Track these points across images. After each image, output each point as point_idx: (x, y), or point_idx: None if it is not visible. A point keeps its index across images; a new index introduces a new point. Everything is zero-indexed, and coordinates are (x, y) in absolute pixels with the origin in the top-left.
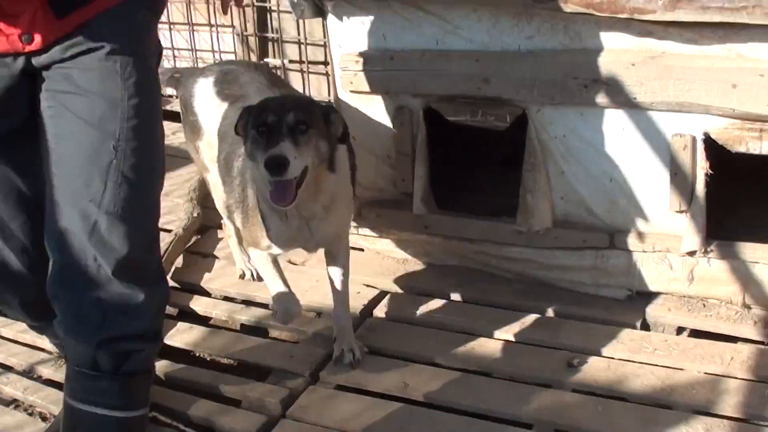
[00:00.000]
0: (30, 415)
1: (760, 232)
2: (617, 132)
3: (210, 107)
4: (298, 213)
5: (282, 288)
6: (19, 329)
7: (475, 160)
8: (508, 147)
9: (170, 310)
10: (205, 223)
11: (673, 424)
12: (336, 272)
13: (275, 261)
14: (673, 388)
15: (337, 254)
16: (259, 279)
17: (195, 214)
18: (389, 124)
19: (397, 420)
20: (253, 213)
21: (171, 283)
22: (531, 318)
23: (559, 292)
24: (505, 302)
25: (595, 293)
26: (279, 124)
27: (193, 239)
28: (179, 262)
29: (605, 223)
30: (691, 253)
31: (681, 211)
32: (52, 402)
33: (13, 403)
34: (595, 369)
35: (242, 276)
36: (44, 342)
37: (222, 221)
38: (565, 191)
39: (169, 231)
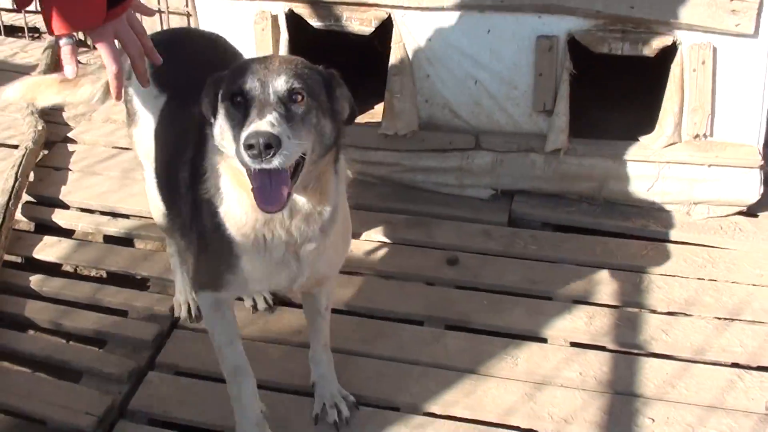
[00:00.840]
0: None
1: (612, 131)
2: (483, 35)
3: (145, 93)
4: (286, 234)
5: (247, 399)
6: None
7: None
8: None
9: (29, 224)
10: (51, 138)
11: (557, 314)
12: (318, 306)
13: (230, 313)
14: (552, 280)
15: (323, 292)
16: (197, 317)
17: (40, 128)
18: (249, 28)
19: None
20: (216, 236)
21: (27, 197)
22: (401, 219)
23: (426, 194)
24: (375, 205)
25: (459, 194)
26: (264, 92)
27: (41, 154)
28: (32, 176)
29: (470, 124)
30: (555, 152)
31: (545, 111)
32: None
33: None
34: (473, 265)
35: (177, 316)
36: None
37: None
38: (431, 94)
39: (15, 146)
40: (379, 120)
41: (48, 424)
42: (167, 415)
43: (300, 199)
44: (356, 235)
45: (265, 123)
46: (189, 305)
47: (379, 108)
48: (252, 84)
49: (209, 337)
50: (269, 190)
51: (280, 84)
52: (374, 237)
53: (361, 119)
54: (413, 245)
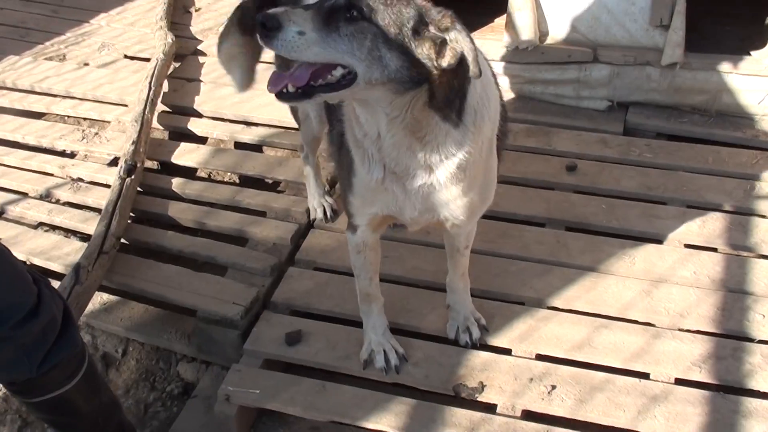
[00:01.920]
0: (64, 236)
1: (726, 45)
2: None
3: None
4: (378, 155)
5: (375, 317)
6: (22, 156)
7: None
8: None
9: (164, 133)
10: (181, 51)
11: (672, 217)
12: (457, 245)
13: (372, 254)
14: (666, 186)
15: (461, 233)
16: (332, 217)
17: (169, 40)
18: None
19: None
20: (343, 151)
21: (162, 107)
22: (522, 128)
23: (544, 105)
24: None
25: (577, 105)
26: None
27: (172, 66)
28: (166, 86)
29: (588, 38)
30: (671, 65)
31: (661, 26)
32: (80, 221)
33: (41, 226)
34: (591, 171)
35: (313, 219)
36: (52, 167)
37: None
38: (551, 9)
39: (147, 59)
40: (498, 34)
41: (198, 313)
42: (308, 306)
43: (386, 125)
44: None
45: (280, 9)
46: (324, 207)
47: (499, 21)
48: None
49: (351, 265)
50: (275, 76)
51: None
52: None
53: (482, 32)
54: (534, 152)
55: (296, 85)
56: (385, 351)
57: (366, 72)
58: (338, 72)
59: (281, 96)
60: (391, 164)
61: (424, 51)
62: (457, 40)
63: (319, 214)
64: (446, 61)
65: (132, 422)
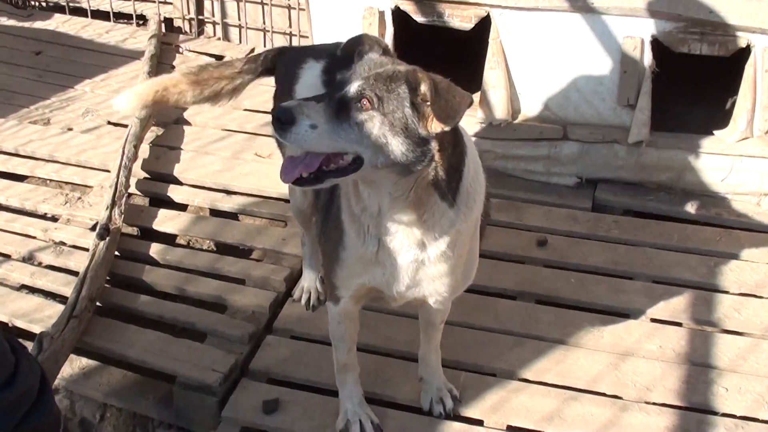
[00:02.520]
0: (46, 298)
1: (690, 125)
2: (573, 34)
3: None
4: (375, 229)
5: (351, 386)
6: (5, 218)
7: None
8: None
9: (144, 199)
10: (164, 120)
11: (639, 292)
12: (432, 320)
13: (353, 326)
14: (633, 261)
15: (439, 311)
16: (314, 307)
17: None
18: (357, 22)
19: None
20: (333, 224)
21: (144, 174)
22: (494, 202)
23: (515, 180)
24: None
25: (547, 181)
26: (338, 87)
27: (154, 134)
28: (147, 153)
29: (559, 116)
30: (637, 143)
31: (629, 105)
32: (62, 284)
33: (23, 288)
34: (561, 246)
35: (296, 298)
36: (35, 230)
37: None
38: (523, 87)
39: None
40: (471, 110)
41: (178, 378)
42: (285, 374)
43: (389, 203)
44: None
45: (294, 102)
46: (310, 295)
47: (474, 98)
48: (340, 77)
49: (329, 335)
50: (288, 164)
51: (353, 87)
52: None
53: None
54: (505, 227)
55: (308, 172)
56: (360, 421)
57: (372, 158)
58: (349, 157)
59: (295, 181)
60: (386, 239)
61: (422, 125)
62: (432, 91)
63: (304, 300)
64: (431, 125)
65: None
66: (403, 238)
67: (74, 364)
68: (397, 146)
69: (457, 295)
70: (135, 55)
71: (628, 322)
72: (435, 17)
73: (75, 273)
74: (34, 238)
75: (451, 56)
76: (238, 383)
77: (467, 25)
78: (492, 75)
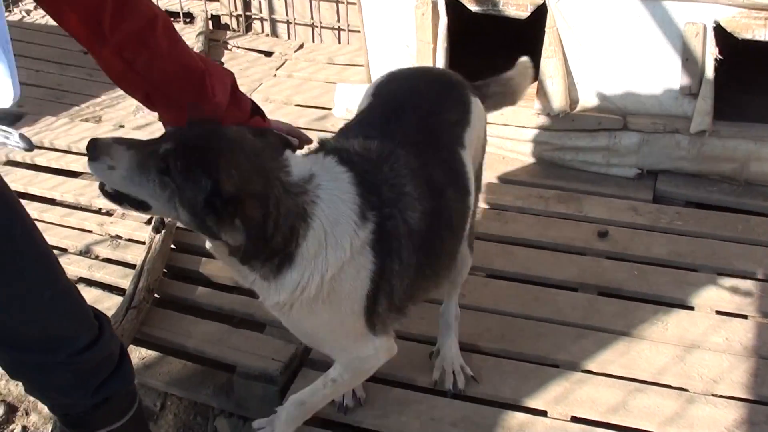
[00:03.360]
0: (104, 291)
1: (754, 114)
2: (633, 20)
3: None
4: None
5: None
6: (61, 213)
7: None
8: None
9: None
10: None
11: (702, 284)
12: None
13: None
14: (696, 253)
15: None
16: None
17: None
18: (410, 13)
19: None
20: None
21: None
22: (553, 194)
23: (573, 172)
24: (527, 181)
25: (606, 172)
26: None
27: None
28: None
29: (618, 106)
30: (700, 133)
31: (691, 94)
32: (120, 277)
33: (82, 281)
34: (622, 238)
35: None
36: (91, 224)
37: None
38: (582, 77)
39: None
40: (528, 101)
41: (238, 368)
42: None
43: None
44: (512, 207)
45: (111, 139)
46: None
47: (528, 90)
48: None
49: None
50: (97, 165)
51: (164, 146)
52: (528, 210)
53: None
54: (565, 218)
55: (110, 187)
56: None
57: (159, 211)
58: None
59: (102, 188)
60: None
61: (209, 221)
62: (241, 228)
63: None
64: (227, 239)
65: None
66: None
67: (134, 354)
68: (184, 216)
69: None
70: None
71: (692, 314)
72: (490, 6)
73: (132, 266)
74: (90, 232)
75: (506, 46)
76: (298, 373)
77: (523, 13)
78: (549, 64)
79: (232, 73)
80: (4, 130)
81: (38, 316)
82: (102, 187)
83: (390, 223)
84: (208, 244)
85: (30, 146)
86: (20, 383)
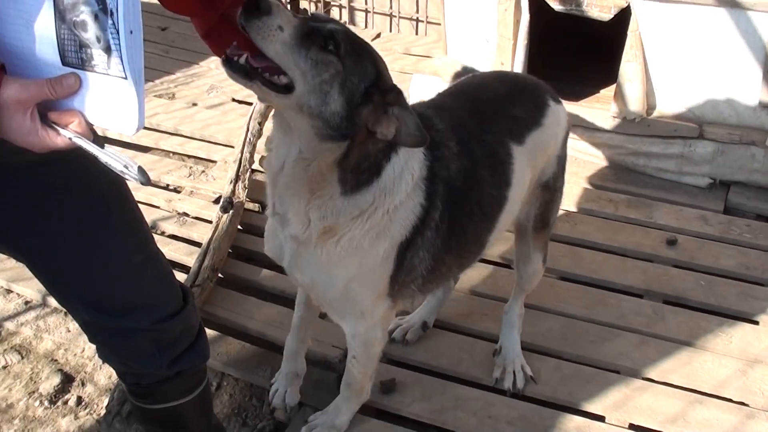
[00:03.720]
0: None
1: None
2: (716, 29)
3: None
4: (273, 195)
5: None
6: (130, 187)
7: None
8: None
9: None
10: None
11: None
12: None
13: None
14: (765, 267)
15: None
16: None
17: None
18: (493, 8)
19: None
20: None
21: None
22: (624, 198)
23: (645, 177)
24: (598, 184)
25: (678, 180)
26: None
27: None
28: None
29: (695, 114)
30: None
31: None
32: (185, 254)
33: None
34: (691, 247)
35: None
36: (159, 200)
37: None
38: (661, 83)
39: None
40: (604, 104)
41: None
42: (403, 356)
43: (293, 161)
44: (581, 210)
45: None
46: None
47: (605, 92)
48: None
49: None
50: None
51: (329, 26)
52: (598, 213)
53: (589, 101)
54: (634, 224)
55: (252, 63)
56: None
57: (304, 96)
58: (284, 79)
59: (228, 62)
60: (277, 203)
61: (364, 112)
62: (401, 116)
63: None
64: (381, 129)
65: None
66: (289, 205)
67: None
68: (335, 103)
69: (350, 321)
70: None
71: (757, 329)
72: (573, 6)
73: (198, 244)
74: (157, 207)
75: (587, 47)
76: None
77: (606, 15)
78: (629, 68)
79: None
80: (126, 162)
81: (126, 282)
82: (230, 60)
83: (437, 165)
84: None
85: (147, 181)
86: (83, 350)
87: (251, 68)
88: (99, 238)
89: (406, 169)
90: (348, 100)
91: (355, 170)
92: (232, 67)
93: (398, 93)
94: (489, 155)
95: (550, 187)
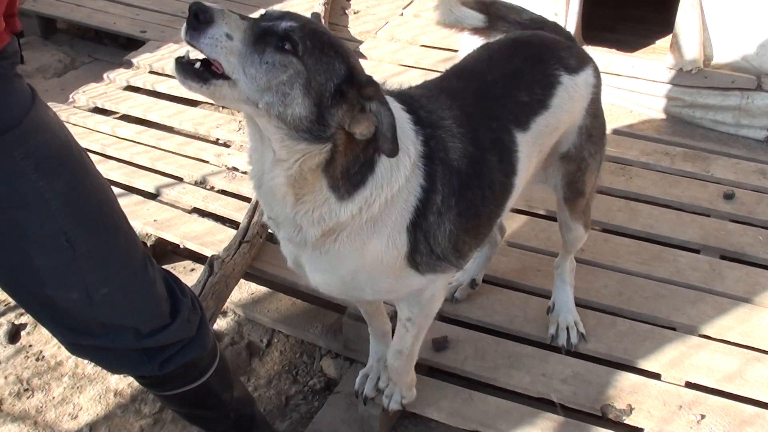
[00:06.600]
0: (217, 222)
1: None
2: None
3: None
4: (257, 186)
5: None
6: (178, 141)
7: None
8: None
9: None
10: None
11: None
12: (399, 315)
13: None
14: None
15: (400, 306)
16: None
17: None
18: None
19: None
20: None
21: None
22: (680, 151)
23: (701, 130)
24: (652, 136)
25: (735, 133)
26: (264, 18)
27: None
28: None
29: (754, 65)
30: None
31: None
32: (234, 209)
33: (195, 212)
34: (749, 201)
35: None
36: (208, 154)
37: None
38: (719, 33)
39: None
40: (660, 55)
41: (348, 309)
42: (456, 313)
43: (270, 164)
44: (636, 163)
45: (217, 5)
46: None
47: (661, 43)
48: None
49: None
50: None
51: (283, 24)
52: (653, 166)
53: (645, 52)
54: (690, 177)
55: (206, 55)
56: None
57: (270, 104)
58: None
59: (181, 60)
60: (266, 208)
61: (338, 113)
62: (379, 112)
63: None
64: (360, 130)
65: (272, 412)
66: (278, 210)
67: (243, 289)
68: (300, 107)
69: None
70: None
71: None
72: None
73: (247, 199)
74: (206, 162)
75: None
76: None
77: None
78: (685, 18)
79: None
80: None
81: (95, 309)
82: (182, 59)
83: (433, 144)
84: (284, 169)
85: None
86: None
87: (202, 69)
88: (62, 276)
89: (402, 152)
90: (316, 102)
91: (345, 175)
92: (182, 69)
93: (376, 86)
94: (495, 141)
95: (573, 158)
